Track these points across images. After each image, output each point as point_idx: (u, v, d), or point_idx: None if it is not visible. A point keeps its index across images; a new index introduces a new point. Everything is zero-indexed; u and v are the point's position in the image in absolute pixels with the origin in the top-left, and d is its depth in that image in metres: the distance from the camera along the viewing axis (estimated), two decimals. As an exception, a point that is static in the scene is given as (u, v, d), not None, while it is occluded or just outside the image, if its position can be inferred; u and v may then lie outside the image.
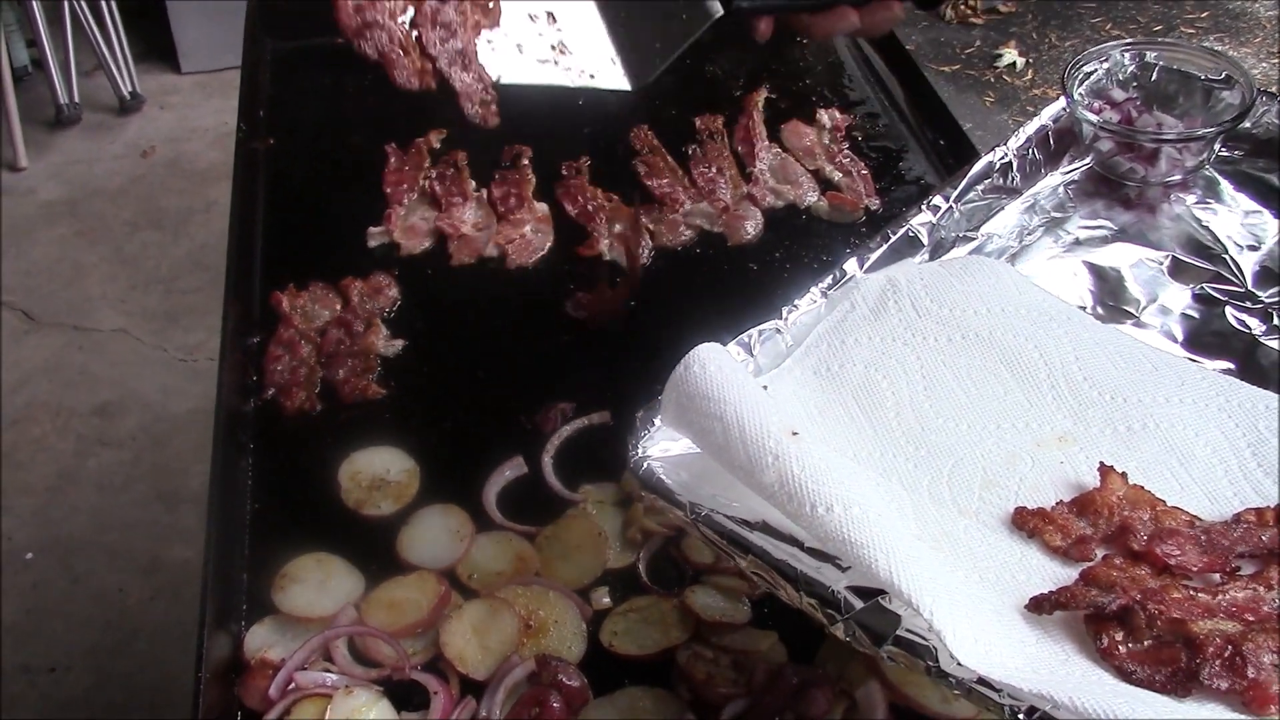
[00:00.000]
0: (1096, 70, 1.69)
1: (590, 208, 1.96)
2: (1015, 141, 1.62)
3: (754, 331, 1.31)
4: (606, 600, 1.40)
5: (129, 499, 3.62)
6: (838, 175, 2.01)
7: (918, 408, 1.24)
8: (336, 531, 1.48)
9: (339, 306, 1.80)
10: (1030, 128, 1.65)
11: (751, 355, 1.30)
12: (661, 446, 1.19)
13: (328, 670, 1.33)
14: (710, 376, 1.13)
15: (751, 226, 1.92)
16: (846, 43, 2.38)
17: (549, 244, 1.92)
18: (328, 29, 2.35)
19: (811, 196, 1.98)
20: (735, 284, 1.84)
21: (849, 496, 1.01)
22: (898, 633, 0.97)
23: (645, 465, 1.17)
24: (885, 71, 2.27)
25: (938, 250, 1.49)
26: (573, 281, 1.84)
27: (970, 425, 1.22)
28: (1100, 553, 1.08)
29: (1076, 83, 1.66)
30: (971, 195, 1.56)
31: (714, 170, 2.02)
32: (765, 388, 1.22)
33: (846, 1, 1.72)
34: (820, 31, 1.78)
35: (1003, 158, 1.60)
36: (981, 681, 0.92)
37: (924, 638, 0.96)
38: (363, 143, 2.13)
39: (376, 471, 1.55)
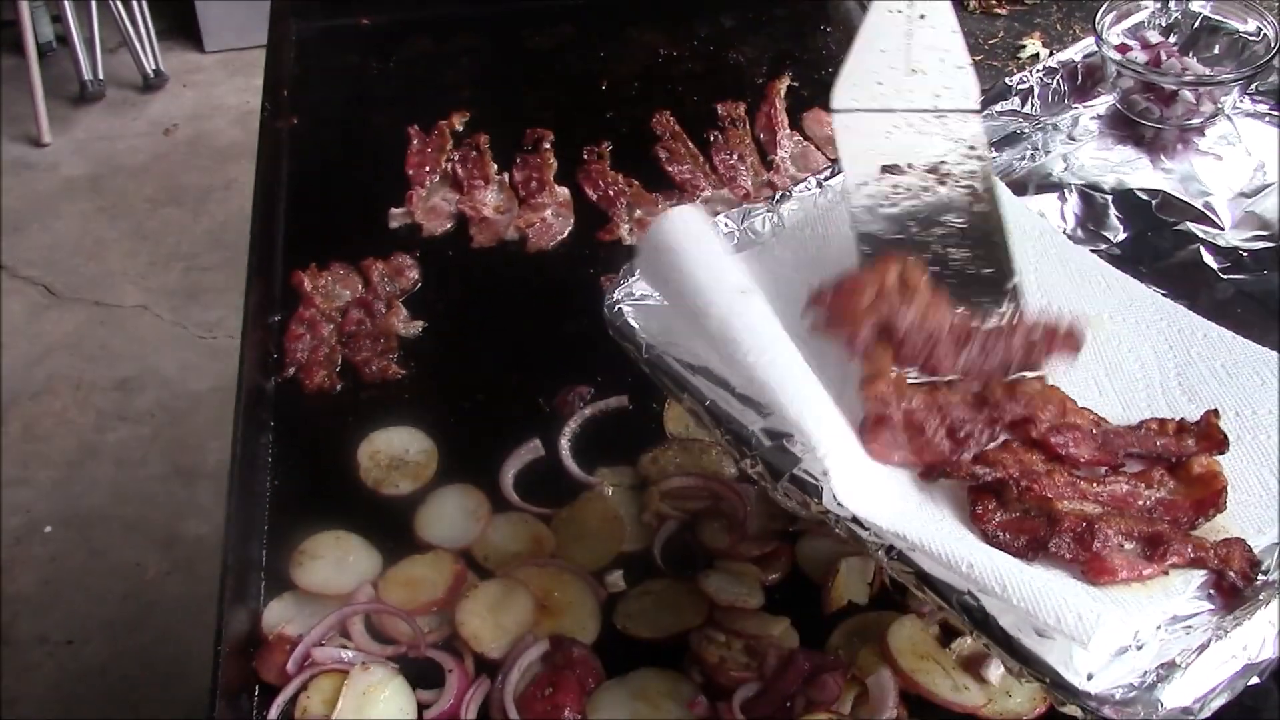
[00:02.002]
0: (1139, 12, 1.71)
1: (611, 192, 1.96)
2: (1041, 67, 1.64)
3: (745, 208, 1.41)
4: (621, 583, 1.42)
5: (147, 474, 3.63)
6: (859, 164, 2.01)
7: None
8: (355, 509, 1.49)
9: (360, 287, 1.81)
10: (1059, 57, 1.68)
11: (738, 227, 1.39)
12: (637, 297, 1.29)
13: (344, 646, 1.34)
14: (683, 230, 1.20)
15: (771, 214, 1.92)
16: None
17: (569, 228, 1.93)
18: (351, 10, 2.37)
19: (832, 185, 1.98)
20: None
21: (776, 349, 1.10)
22: (793, 471, 1.08)
23: (616, 307, 1.28)
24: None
25: None
26: (593, 266, 1.85)
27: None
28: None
29: (1111, 21, 1.68)
30: (987, 114, 1.55)
31: (735, 157, 2.03)
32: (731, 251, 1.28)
33: None
34: None
35: (1022, 83, 1.62)
36: (855, 521, 1.04)
37: (815, 479, 1.06)
38: (385, 123, 2.14)
39: (395, 451, 1.56)
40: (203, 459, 3.64)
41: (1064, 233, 1.51)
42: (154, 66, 5.27)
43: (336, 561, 1.42)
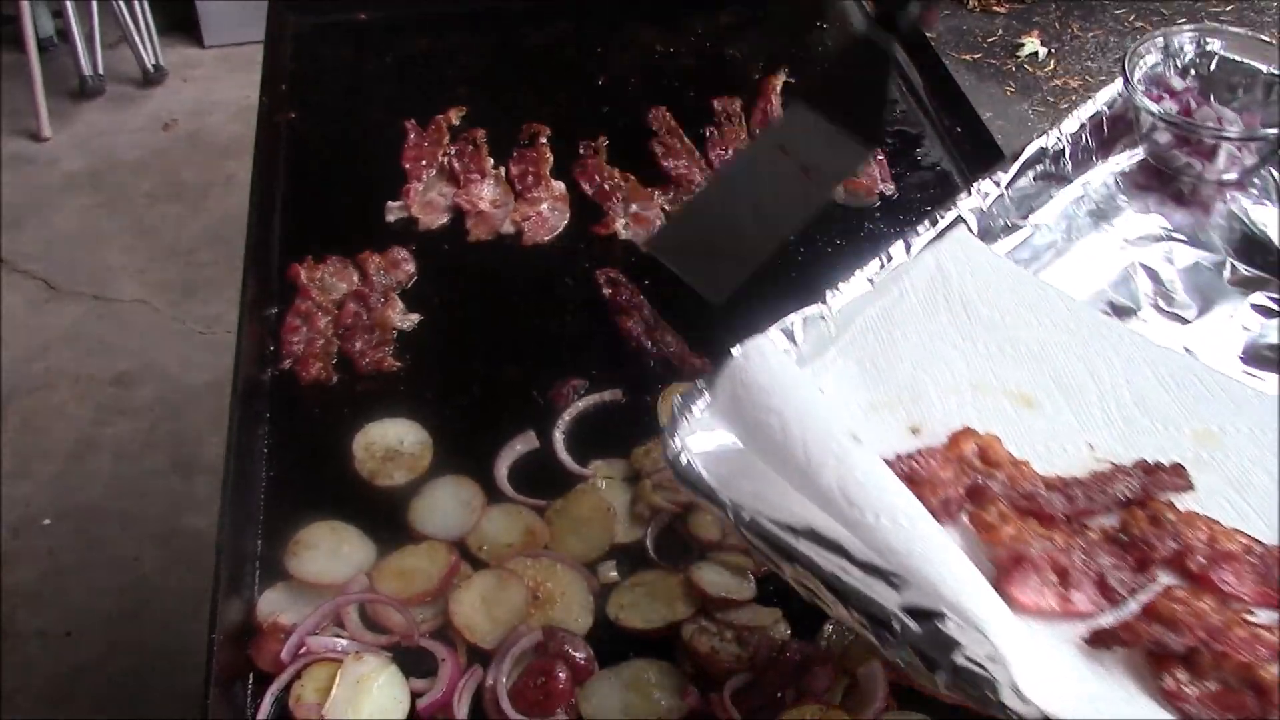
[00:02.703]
0: (1154, 56, 1.61)
1: (607, 187, 1.97)
2: (1069, 126, 1.55)
3: (797, 317, 1.25)
4: (614, 574, 1.42)
5: (145, 468, 3.64)
6: (854, 160, 2.02)
7: (965, 418, 1.19)
8: (350, 500, 1.50)
9: (356, 279, 1.82)
10: (1085, 112, 1.58)
11: (794, 342, 1.24)
12: (699, 438, 1.11)
13: (338, 635, 1.35)
14: (771, 369, 1.08)
15: (766, 209, 1.93)
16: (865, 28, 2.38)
17: (565, 222, 1.94)
18: (349, 5, 2.38)
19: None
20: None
21: (912, 509, 0.96)
22: (955, 660, 0.89)
23: (684, 459, 1.09)
24: (904, 57, 2.27)
25: (984, 237, 1.43)
26: (588, 260, 1.86)
27: (1019, 446, 1.17)
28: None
29: (1136, 69, 1.58)
30: (1022, 181, 1.50)
31: (730, 152, 2.03)
32: (822, 390, 1.19)
33: None
34: None
35: (1055, 143, 1.53)
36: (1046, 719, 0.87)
37: (983, 666, 0.88)
38: (383, 118, 2.15)
39: (390, 443, 1.57)
40: (201, 453, 3.65)
41: (1137, 316, 1.40)
42: (154, 62, 5.28)
43: (331, 551, 1.43)
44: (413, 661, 1.33)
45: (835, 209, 1.95)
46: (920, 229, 1.39)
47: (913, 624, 0.91)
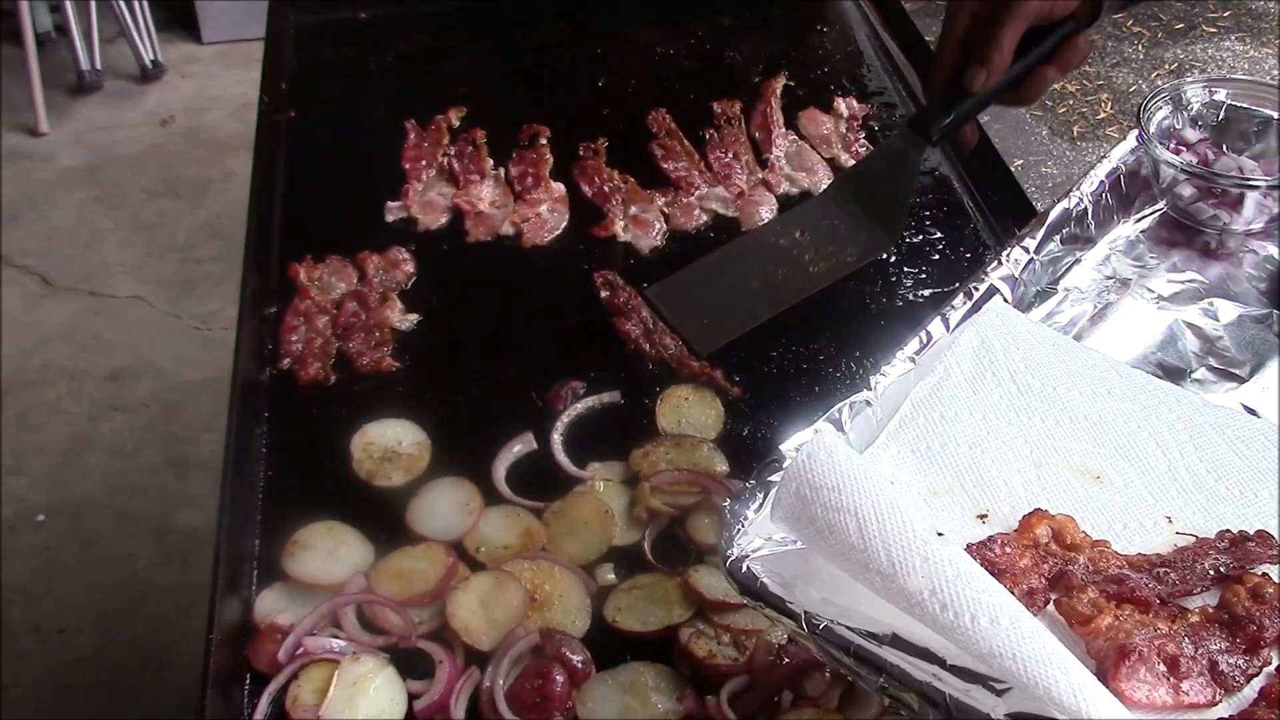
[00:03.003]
0: (1164, 109, 1.59)
1: (606, 188, 1.97)
2: (1089, 186, 1.53)
3: (844, 405, 1.20)
4: (611, 577, 1.42)
5: (140, 464, 3.64)
6: (853, 164, 2.02)
7: (1032, 499, 1.15)
8: (347, 501, 1.50)
9: (355, 279, 1.82)
10: (1102, 171, 1.56)
11: (843, 431, 1.19)
12: (754, 543, 1.07)
13: (335, 636, 1.35)
14: (839, 467, 1.01)
15: (766, 212, 1.93)
16: (866, 33, 2.39)
17: (564, 223, 1.94)
18: (349, 3, 2.38)
19: (826, 184, 1.99)
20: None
21: (1013, 608, 0.91)
22: None
23: (744, 568, 1.03)
24: (904, 62, 2.28)
25: (1018, 306, 1.41)
26: (587, 261, 1.86)
27: (1094, 525, 1.13)
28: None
29: (1150, 123, 1.56)
30: (1050, 246, 1.48)
31: (730, 155, 2.04)
32: (893, 483, 1.14)
33: (1039, 62, 1.57)
34: (1027, 99, 1.62)
35: (1078, 204, 1.51)
36: None
37: None
38: (383, 117, 2.15)
39: (388, 443, 1.57)
40: (196, 450, 3.65)
41: (1192, 378, 1.35)
42: (152, 57, 5.28)
43: (329, 552, 1.43)
44: (410, 663, 1.32)
45: (834, 213, 1.95)
46: (955, 303, 1.36)
47: None
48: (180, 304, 4.20)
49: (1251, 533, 1.10)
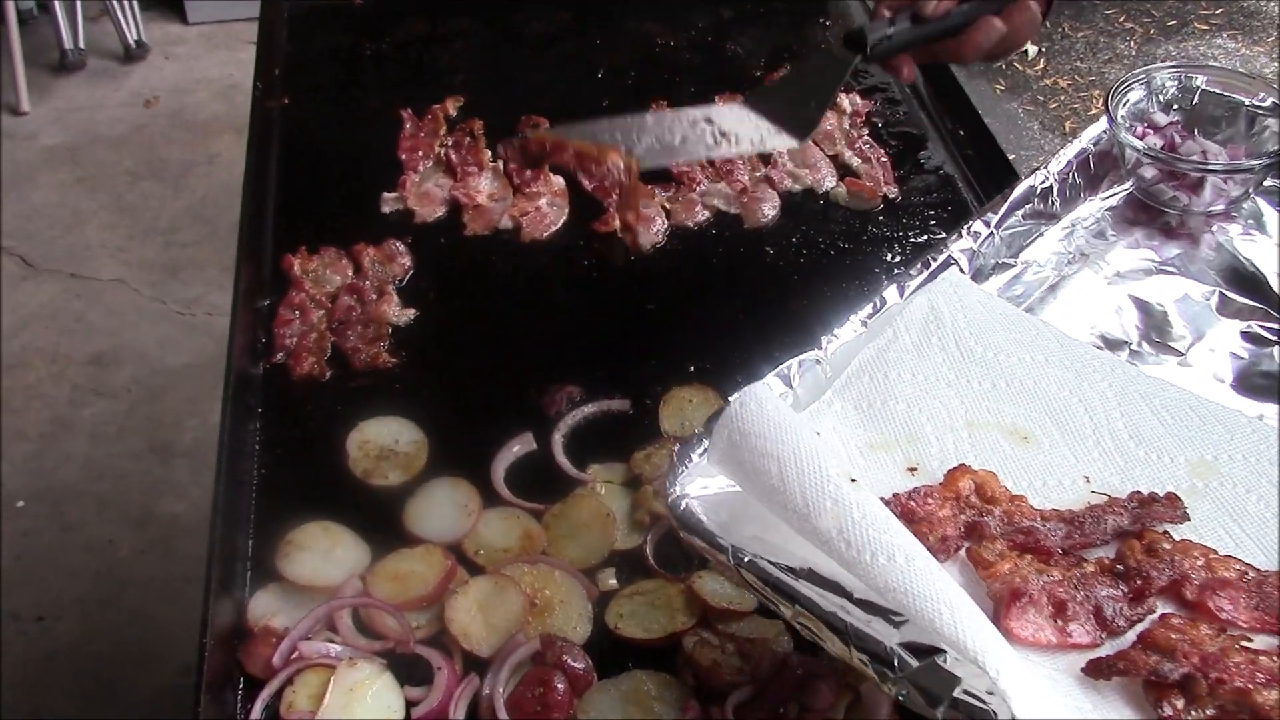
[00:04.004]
0: (1137, 92, 1.64)
1: (607, 183, 1.93)
2: (1056, 165, 1.58)
3: (794, 362, 1.27)
4: (613, 582, 1.40)
5: (122, 450, 3.60)
6: (857, 161, 2.00)
7: (961, 455, 1.22)
8: (343, 500, 1.47)
9: (351, 272, 1.78)
10: (1071, 151, 1.61)
11: (791, 387, 1.26)
12: (698, 484, 1.14)
13: (331, 641, 1.32)
14: (767, 415, 1.09)
15: (769, 209, 1.91)
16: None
17: (564, 218, 1.91)
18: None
19: (830, 182, 1.97)
20: (751, 266, 1.83)
21: (910, 547, 0.98)
22: (955, 694, 0.91)
23: (684, 504, 1.12)
24: (907, 58, 2.25)
25: (976, 278, 1.46)
26: (587, 257, 1.83)
27: (1016, 482, 1.19)
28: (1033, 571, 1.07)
29: (1119, 106, 1.61)
30: (1012, 220, 1.52)
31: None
32: (818, 434, 1.21)
33: (987, 10, 1.55)
34: (969, 51, 1.59)
35: (1044, 182, 1.55)
36: None
37: (984, 701, 0.90)
38: (378, 106, 2.12)
39: (385, 441, 1.54)
40: (178, 436, 3.62)
41: (1130, 349, 1.41)
42: (136, 37, 5.22)
43: (324, 553, 1.40)
44: (407, 669, 1.30)
45: (837, 210, 1.93)
46: (912, 272, 1.41)
47: (912, 660, 0.94)
48: (163, 288, 4.15)
49: (1161, 495, 1.16)
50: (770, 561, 1.04)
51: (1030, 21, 1.57)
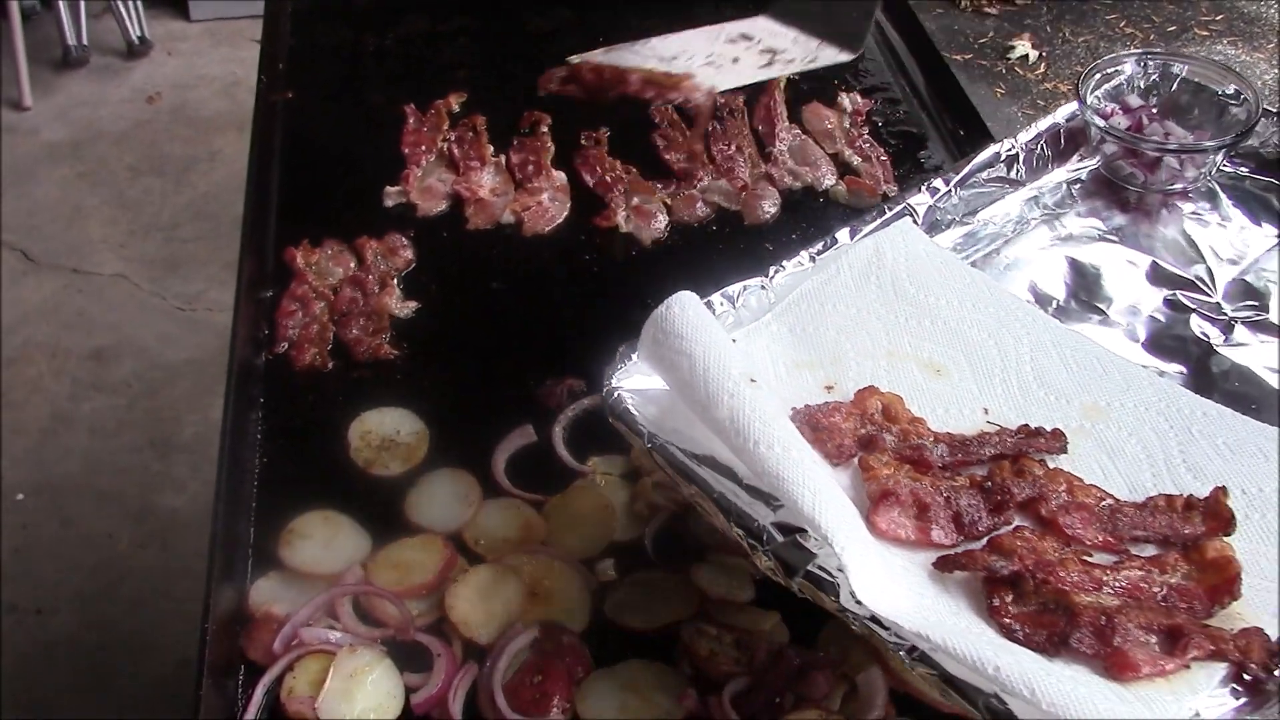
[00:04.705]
0: (1118, 75, 1.73)
1: (609, 179, 1.95)
2: (1025, 135, 1.67)
3: (740, 285, 1.42)
4: (611, 572, 1.40)
5: (121, 445, 3.61)
6: (856, 160, 2.01)
7: (876, 380, 1.33)
8: (344, 489, 1.48)
9: (353, 265, 1.79)
10: (1042, 124, 1.70)
11: (734, 306, 1.41)
12: (635, 381, 1.29)
13: (332, 628, 1.33)
14: (687, 319, 1.23)
15: (769, 206, 1.92)
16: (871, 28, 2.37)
17: (565, 213, 1.92)
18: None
19: (829, 180, 1.98)
20: (751, 263, 1.83)
21: (788, 440, 1.12)
22: (809, 567, 1.07)
23: (616, 394, 1.26)
24: (908, 58, 2.27)
25: (932, 231, 1.56)
26: (588, 252, 1.84)
27: (920, 407, 1.32)
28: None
29: (1093, 85, 1.70)
30: (974, 182, 1.62)
31: (733, 148, 2.02)
32: (734, 340, 1.35)
33: None
34: None
35: (1010, 149, 1.65)
36: (874, 619, 1.02)
37: (831, 575, 1.06)
38: (382, 101, 2.13)
39: (386, 432, 1.55)
40: (178, 431, 3.62)
41: (1058, 304, 1.53)
42: (139, 33, 5.23)
43: (325, 541, 1.41)
44: (407, 656, 1.31)
45: (837, 208, 1.94)
46: (867, 218, 1.53)
47: (779, 536, 1.10)
48: (164, 283, 4.16)
49: (1048, 430, 1.27)
50: (677, 448, 1.19)
51: None
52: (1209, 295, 1.55)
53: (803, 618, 1.34)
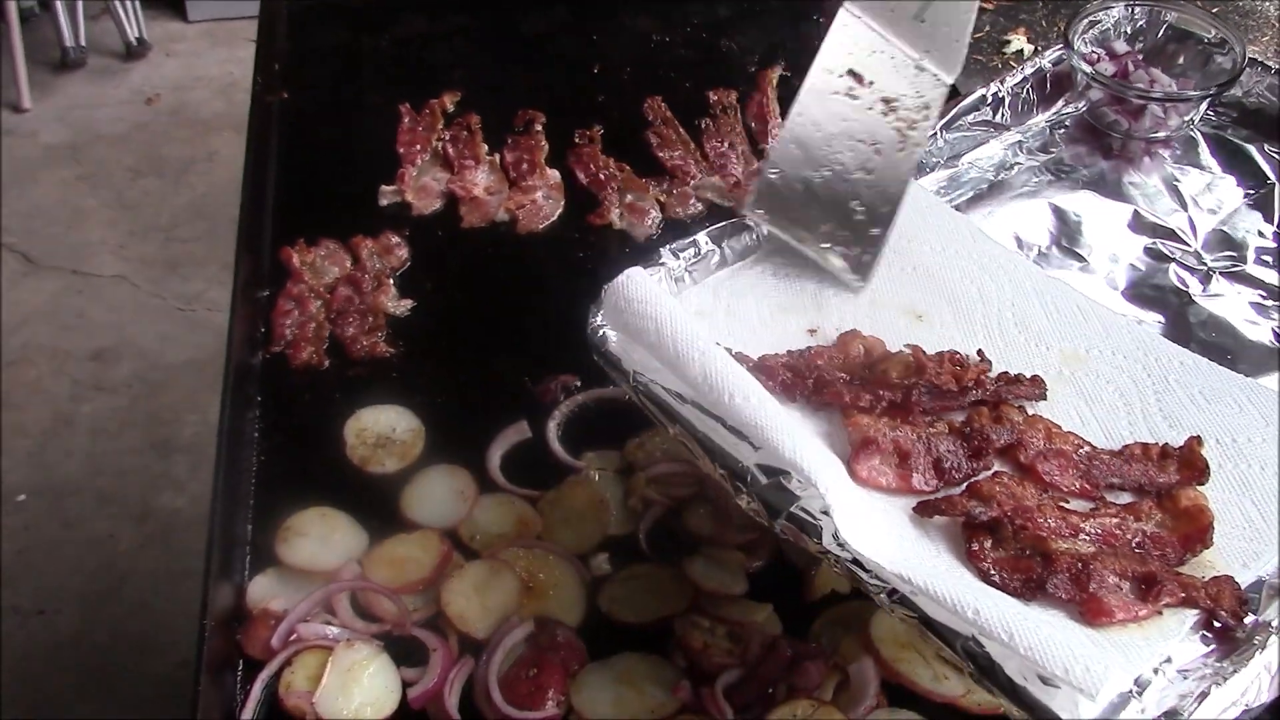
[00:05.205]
0: (1105, 20, 1.74)
1: (602, 176, 1.96)
2: (1011, 79, 1.67)
3: (726, 225, 1.43)
4: (606, 566, 1.42)
5: (122, 445, 3.62)
6: (849, 156, 2.02)
7: (858, 324, 1.34)
8: (341, 487, 1.49)
9: (349, 264, 1.80)
10: (1028, 68, 1.70)
11: (718, 246, 1.41)
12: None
13: (329, 623, 1.34)
14: (647, 288, 1.26)
15: (762, 203, 1.93)
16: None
17: (559, 211, 1.93)
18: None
19: (822, 176, 1.98)
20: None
21: (761, 393, 1.13)
22: (791, 509, 1.07)
23: (600, 333, 1.27)
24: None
25: (917, 174, 1.54)
26: (582, 249, 1.85)
27: (901, 350, 1.31)
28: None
29: (1080, 30, 1.70)
30: (959, 125, 1.62)
31: (726, 145, 2.03)
32: (720, 278, 1.39)
33: None
34: None
35: (995, 93, 1.65)
36: (856, 562, 1.03)
37: (814, 517, 1.06)
38: (377, 100, 2.14)
39: (382, 429, 1.56)
40: (179, 432, 3.63)
41: (1039, 250, 1.54)
42: (137, 35, 5.23)
43: (322, 538, 1.42)
44: (404, 651, 1.32)
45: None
46: None
47: (763, 478, 1.09)
48: (164, 284, 4.16)
49: (1028, 376, 1.27)
50: (661, 385, 1.19)
51: None
52: (1188, 245, 1.56)
53: (796, 610, 1.36)
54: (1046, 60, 1.71)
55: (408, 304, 1.75)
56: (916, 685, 1.28)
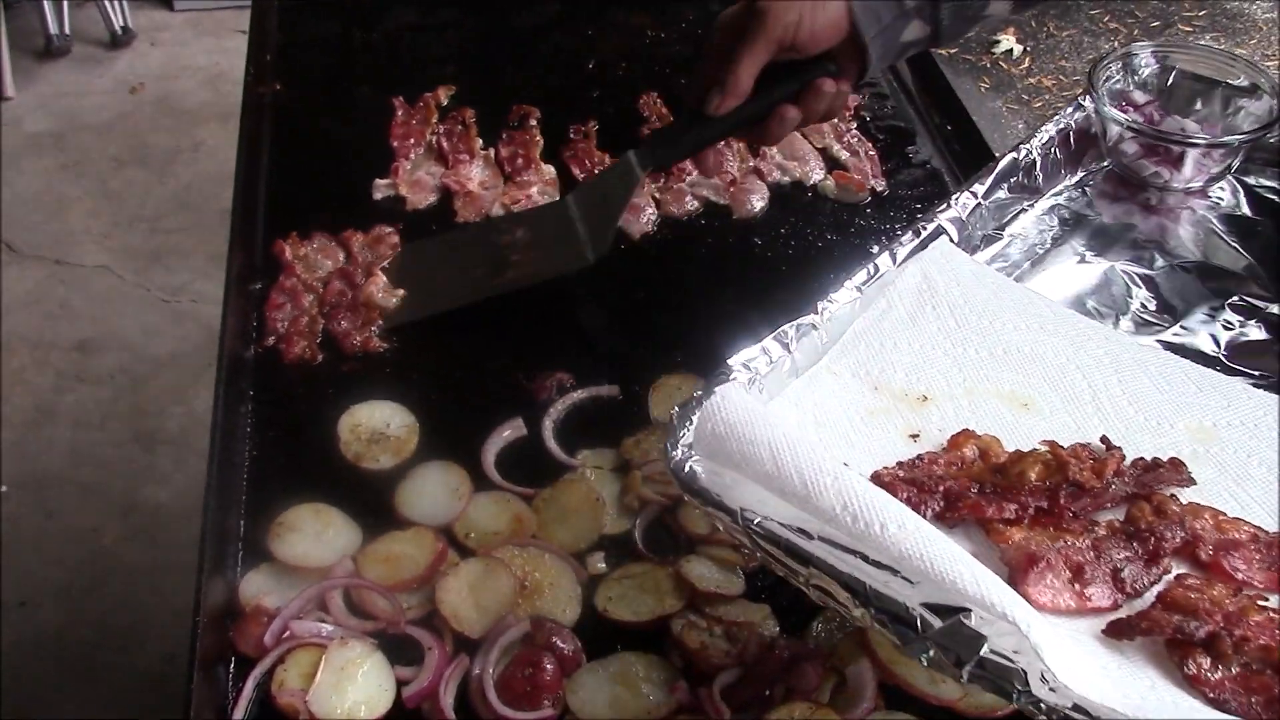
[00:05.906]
0: (1116, 71, 1.68)
1: (597, 172, 1.95)
2: (1039, 139, 1.61)
3: (790, 328, 1.26)
4: (602, 565, 1.41)
5: (106, 437, 3.60)
6: (845, 154, 2.02)
7: (963, 422, 1.22)
8: (334, 483, 1.48)
9: (342, 258, 1.79)
10: (1053, 126, 1.64)
11: (789, 351, 1.25)
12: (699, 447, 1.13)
13: (323, 621, 1.33)
14: (749, 406, 1.10)
15: (757, 200, 1.92)
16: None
17: (554, 207, 1.92)
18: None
19: (818, 174, 1.98)
20: (739, 257, 1.84)
21: (915, 519, 0.97)
22: (982, 653, 0.90)
23: (686, 467, 1.09)
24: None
25: (964, 248, 1.47)
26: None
27: (1019, 448, 1.19)
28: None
29: (1102, 81, 1.64)
30: (998, 193, 1.55)
31: (722, 143, 2.02)
32: (798, 387, 1.25)
33: (781, 100, 1.57)
34: (771, 139, 1.64)
35: (1027, 155, 1.58)
36: (1077, 708, 0.87)
37: (1011, 659, 0.90)
38: (370, 93, 2.12)
39: (376, 425, 1.55)
40: (162, 424, 3.61)
41: (1118, 321, 1.45)
42: (122, 23, 5.20)
43: (315, 535, 1.41)
44: (398, 649, 1.31)
45: (825, 203, 1.94)
46: (904, 240, 1.42)
47: (935, 620, 0.92)
48: (148, 275, 4.14)
49: (1165, 460, 1.17)
50: (781, 524, 1.02)
51: (826, 101, 1.58)
52: (1269, 293, 1.47)
53: (793, 610, 1.35)
54: (1069, 116, 1.65)
55: (399, 294, 1.73)
56: (913, 687, 1.27)
